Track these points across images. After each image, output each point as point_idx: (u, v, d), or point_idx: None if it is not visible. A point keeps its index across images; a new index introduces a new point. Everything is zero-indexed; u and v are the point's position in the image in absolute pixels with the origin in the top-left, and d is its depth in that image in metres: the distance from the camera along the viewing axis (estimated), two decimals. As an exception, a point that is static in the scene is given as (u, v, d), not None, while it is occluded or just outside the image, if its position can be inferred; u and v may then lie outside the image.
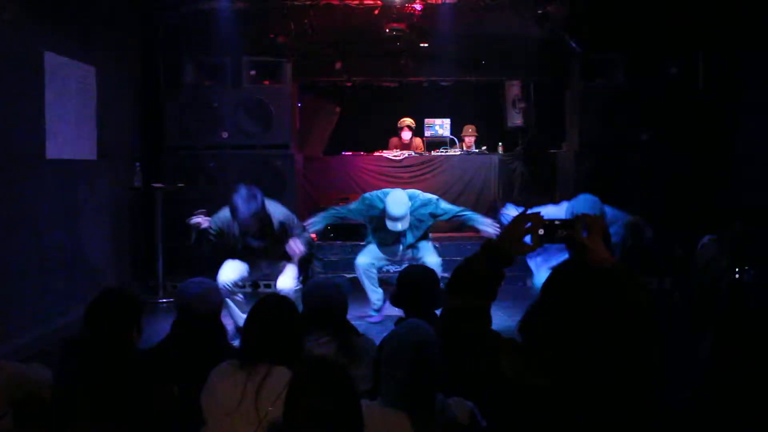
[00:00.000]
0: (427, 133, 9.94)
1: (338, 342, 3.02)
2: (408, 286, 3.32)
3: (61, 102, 5.76)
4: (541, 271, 5.19)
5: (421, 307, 3.20)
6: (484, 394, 2.17)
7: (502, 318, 4.85)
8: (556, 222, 1.88)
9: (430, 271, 3.49)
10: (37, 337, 5.25)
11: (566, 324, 1.64)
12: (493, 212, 8.69)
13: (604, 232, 1.88)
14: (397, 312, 3.51)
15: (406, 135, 9.77)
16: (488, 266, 1.82)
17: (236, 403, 2.36)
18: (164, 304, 6.69)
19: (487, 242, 1.87)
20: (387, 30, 7.89)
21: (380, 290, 6.03)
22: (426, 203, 5.94)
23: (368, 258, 5.98)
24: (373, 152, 9.37)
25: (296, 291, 5.10)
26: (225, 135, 7.67)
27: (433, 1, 7.63)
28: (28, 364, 2.67)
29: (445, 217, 6.04)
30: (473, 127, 9.96)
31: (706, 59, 7.57)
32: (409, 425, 2.14)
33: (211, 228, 5.14)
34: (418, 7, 7.68)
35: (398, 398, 2.17)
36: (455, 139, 9.70)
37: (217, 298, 3.16)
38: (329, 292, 3.15)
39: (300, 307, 2.97)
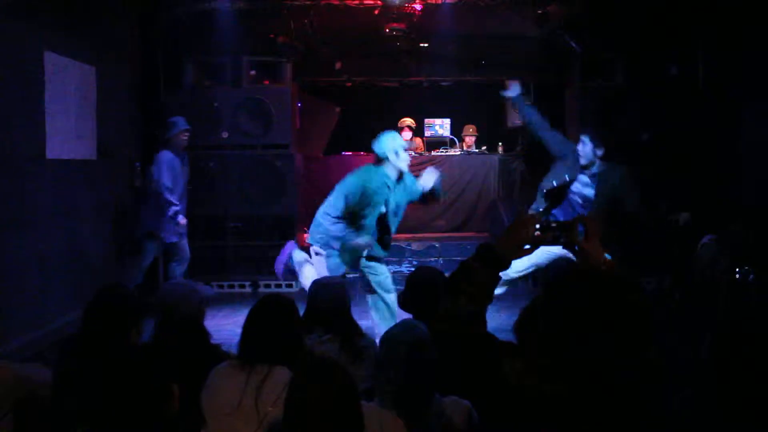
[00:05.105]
0: (427, 133, 9.94)
1: (340, 341, 3.02)
2: (417, 288, 3.28)
3: (61, 102, 5.75)
4: None
5: (430, 310, 3.17)
6: (481, 395, 2.17)
7: (503, 318, 4.85)
8: (553, 224, 1.89)
9: (439, 273, 3.44)
10: (37, 337, 5.24)
11: (565, 326, 1.64)
12: (493, 212, 8.72)
13: (601, 234, 1.88)
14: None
15: (407, 135, 9.77)
16: (484, 269, 1.82)
17: (236, 403, 2.36)
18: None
19: (483, 245, 1.87)
20: (387, 30, 7.88)
21: None
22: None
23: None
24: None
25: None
26: (225, 135, 7.67)
27: (433, 1, 7.61)
28: (28, 364, 2.67)
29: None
30: (473, 127, 9.96)
31: (706, 59, 7.57)
32: (405, 426, 2.14)
33: None
34: (418, 7, 7.66)
35: (394, 399, 2.17)
36: (455, 139, 9.70)
37: (196, 300, 3.12)
38: (333, 291, 3.16)
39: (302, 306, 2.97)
